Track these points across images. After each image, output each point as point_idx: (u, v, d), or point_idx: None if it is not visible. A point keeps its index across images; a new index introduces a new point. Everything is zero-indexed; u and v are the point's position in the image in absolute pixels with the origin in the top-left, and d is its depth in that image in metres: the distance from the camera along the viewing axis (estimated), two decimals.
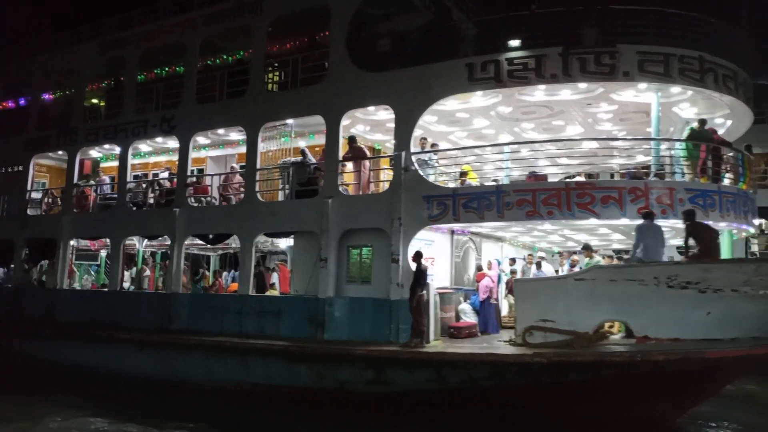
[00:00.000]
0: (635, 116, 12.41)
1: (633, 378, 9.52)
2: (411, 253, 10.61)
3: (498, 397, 10.08)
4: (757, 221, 12.14)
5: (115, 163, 16.44)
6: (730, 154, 11.03)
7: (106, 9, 18.73)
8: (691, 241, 9.36)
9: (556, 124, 13.14)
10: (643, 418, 9.69)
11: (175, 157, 14.68)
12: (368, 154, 11.93)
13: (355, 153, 11.55)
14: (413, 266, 10.19)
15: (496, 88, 10.42)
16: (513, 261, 14.08)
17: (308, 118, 12.71)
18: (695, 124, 10.90)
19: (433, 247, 12.41)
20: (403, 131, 11.07)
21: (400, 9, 12.07)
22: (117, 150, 15.84)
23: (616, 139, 11.86)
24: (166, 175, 15.02)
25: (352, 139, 11.74)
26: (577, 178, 11.68)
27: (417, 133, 13.59)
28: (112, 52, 16.15)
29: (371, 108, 12.00)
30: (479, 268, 12.35)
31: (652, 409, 9.82)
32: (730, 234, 12.19)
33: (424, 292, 10.04)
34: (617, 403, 9.70)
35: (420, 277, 9.96)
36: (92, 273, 20.18)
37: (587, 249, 11.41)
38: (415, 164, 10.89)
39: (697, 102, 11.62)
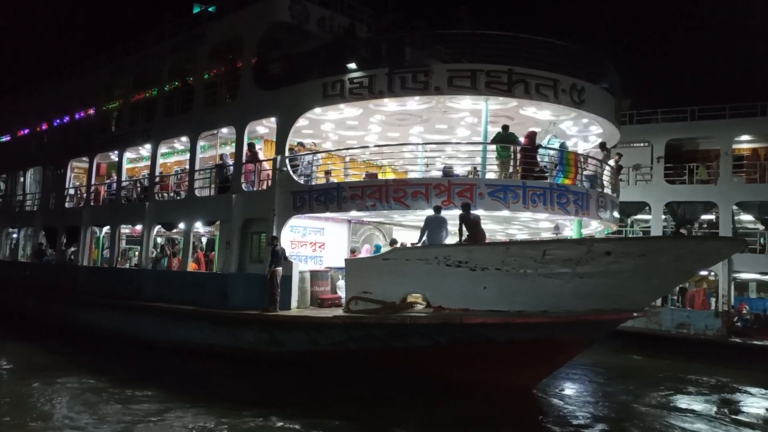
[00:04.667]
0: (503, 119, 13.98)
1: (458, 345, 11.37)
2: (284, 237, 13.24)
3: (362, 357, 12.20)
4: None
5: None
6: (552, 153, 12.46)
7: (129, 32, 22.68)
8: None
9: (440, 128, 15.02)
10: (501, 384, 11.31)
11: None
12: (262, 157, 14.56)
13: (253, 157, 14.28)
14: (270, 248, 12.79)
15: (341, 102, 12.71)
16: None
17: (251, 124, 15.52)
18: (501, 129, 12.42)
19: (324, 234, 14.90)
20: (281, 138, 13.65)
21: (297, 37, 14.62)
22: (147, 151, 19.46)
23: (426, 143, 13.75)
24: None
25: (250, 145, 14.48)
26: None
27: (334, 138, 16.19)
28: (116, 77, 20.10)
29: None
30: (352, 251, 14.63)
31: (511, 377, 11.39)
32: (579, 223, 13.53)
33: (278, 268, 12.59)
34: (464, 368, 11.54)
35: (274, 256, 12.54)
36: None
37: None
38: (288, 166, 13.43)
39: (543, 107, 13.08)
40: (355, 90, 12.39)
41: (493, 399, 11.20)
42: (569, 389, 13.42)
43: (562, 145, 13.52)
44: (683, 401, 12.67)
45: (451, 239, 11.90)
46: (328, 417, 9.92)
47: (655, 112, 23.10)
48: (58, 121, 23.70)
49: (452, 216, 11.48)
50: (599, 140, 15.66)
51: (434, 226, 11.10)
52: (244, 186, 14.44)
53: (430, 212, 11.81)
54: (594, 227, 15.04)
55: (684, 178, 21.99)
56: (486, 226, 14.72)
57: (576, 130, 14.85)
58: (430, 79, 11.82)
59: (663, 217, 22.05)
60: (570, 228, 14.84)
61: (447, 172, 12.46)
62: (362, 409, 10.58)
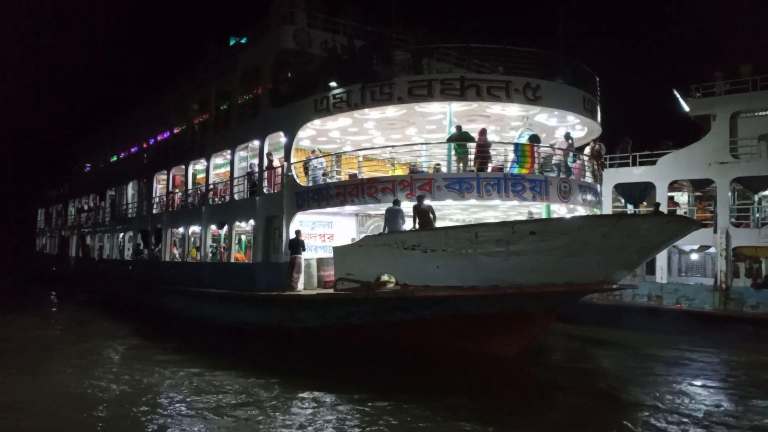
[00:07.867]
0: (479, 118, 15.55)
1: (437, 317, 13.23)
2: (292, 231, 15.87)
3: (363, 330, 14.19)
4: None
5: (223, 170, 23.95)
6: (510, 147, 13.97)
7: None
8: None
9: (430, 128, 16.82)
10: (482, 353, 12.91)
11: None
12: (276, 164, 17.23)
13: (269, 164, 17.03)
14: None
15: (327, 115, 15.02)
16: None
17: (271, 137, 18.42)
18: (454, 129, 14.01)
19: (333, 227, 17.35)
20: (288, 148, 16.25)
21: (302, 59, 17.16)
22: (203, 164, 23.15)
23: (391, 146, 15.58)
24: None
25: (268, 155, 17.24)
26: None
27: (348, 143, 18.54)
28: (181, 102, 23.92)
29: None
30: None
31: (490, 347, 13.02)
32: (547, 207, 14.80)
33: (296, 255, 15.20)
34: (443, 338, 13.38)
35: (289, 246, 15.18)
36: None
37: None
38: (294, 171, 16.01)
39: (509, 105, 14.52)
40: (336, 104, 14.68)
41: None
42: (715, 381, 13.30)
43: (533, 137, 14.83)
44: None
45: None
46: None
47: None
48: (152, 141, 28.33)
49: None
50: (586, 129, 16.71)
51: (392, 216, 13.13)
52: (265, 189, 17.25)
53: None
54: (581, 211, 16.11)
55: None
56: (482, 213, 16.50)
57: (556, 121, 16.00)
58: (394, 90, 13.82)
59: None
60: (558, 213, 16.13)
61: (413, 169, 14.36)
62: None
